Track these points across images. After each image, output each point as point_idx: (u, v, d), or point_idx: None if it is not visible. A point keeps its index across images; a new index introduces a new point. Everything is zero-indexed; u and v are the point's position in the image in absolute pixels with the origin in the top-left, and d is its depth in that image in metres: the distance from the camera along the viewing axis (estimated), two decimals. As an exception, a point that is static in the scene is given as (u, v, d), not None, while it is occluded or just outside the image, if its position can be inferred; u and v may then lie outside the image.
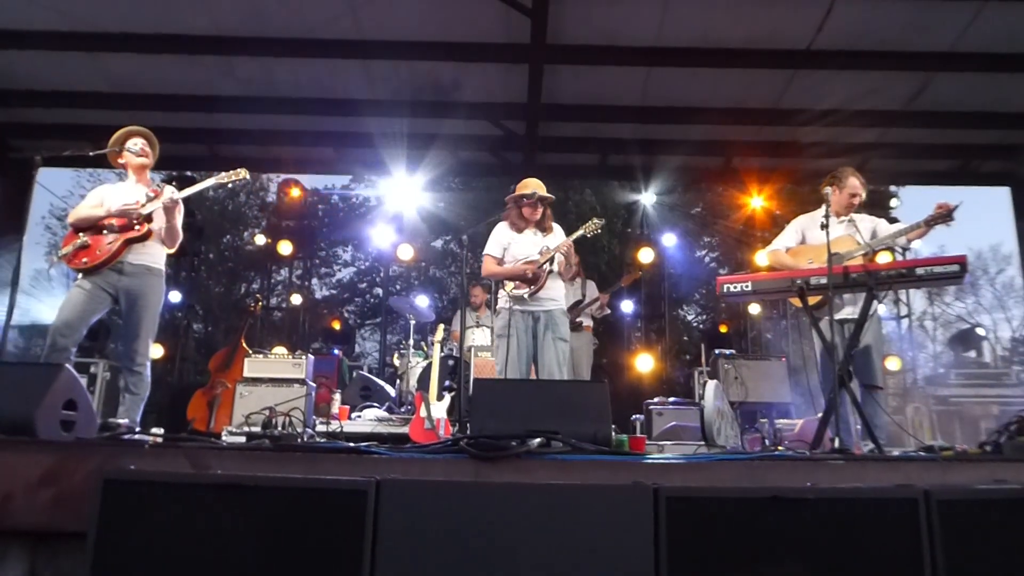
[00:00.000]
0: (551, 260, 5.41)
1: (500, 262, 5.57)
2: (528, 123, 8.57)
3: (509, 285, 5.46)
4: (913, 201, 10.31)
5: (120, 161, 5.11)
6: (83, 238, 4.85)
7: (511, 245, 5.57)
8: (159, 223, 4.99)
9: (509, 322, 5.43)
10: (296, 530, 2.20)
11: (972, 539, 2.32)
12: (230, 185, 5.31)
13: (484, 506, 2.25)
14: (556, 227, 5.68)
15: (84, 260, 4.81)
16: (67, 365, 3.54)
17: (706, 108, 8.40)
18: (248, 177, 5.26)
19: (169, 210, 4.93)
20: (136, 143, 5.07)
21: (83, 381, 3.63)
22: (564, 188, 16.92)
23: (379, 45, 7.45)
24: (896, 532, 2.29)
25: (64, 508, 2.63)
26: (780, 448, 5.36)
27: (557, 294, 5.52)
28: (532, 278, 5.36)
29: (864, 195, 5.28)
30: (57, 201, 20.07)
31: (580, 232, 5.40)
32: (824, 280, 4.37)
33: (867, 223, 5.22)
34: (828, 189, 4.76)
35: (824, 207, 4.64)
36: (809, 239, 5.31)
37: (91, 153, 5.08)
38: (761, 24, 7.04)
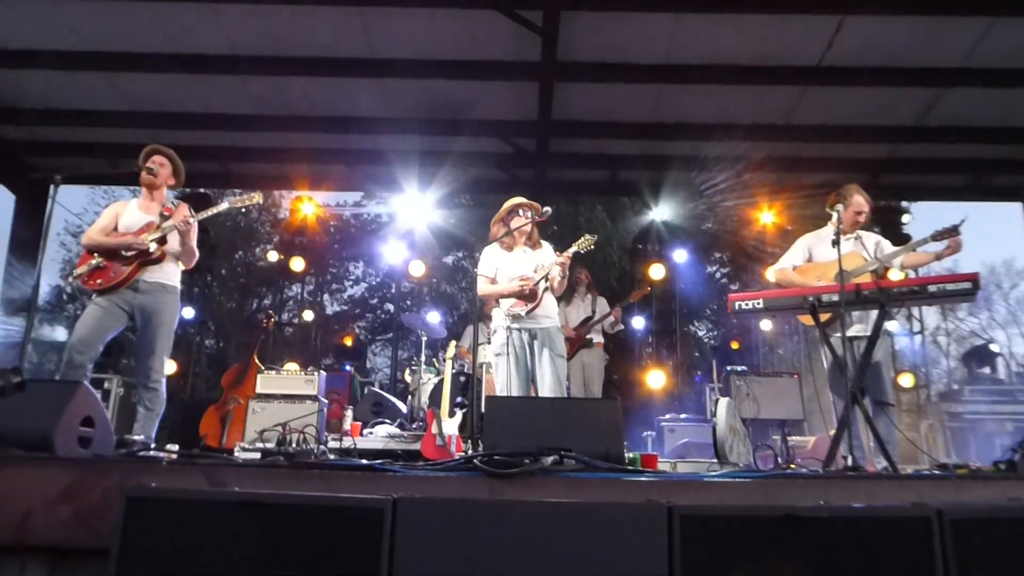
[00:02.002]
0: (546, 276, 5.36)
1: (493, 281, 5.55)
2: (539, 140, 8.62)
3: (506, 303, 5.45)
4: (925, 217, 10.28)
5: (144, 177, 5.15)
6: (98, 259, 4.89)
7: (503, 264, 5.55)
8: (174, 244, 5.03)
9: (506, 340, 5.41)
10: (315, 546, 2.22)
11: (986, 558, 2.31)
12: (243, 209, 5.36)
13: (500, 524, 2.26)
14: (545, 243, 5.66)
15: (99, 281, 4.85)
16: (84, 382, 3.58)
17: (716, 124, 8.42)
18: (261, 201, 5.31)
19: (183, 232, 4.97)
20: (154, 161, 5.13)
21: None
22: (575, 204, 16.99)
23: (391, 63, 7.52)
24: (910, 551, 2.28)
25: (83, 525, 2.66)
26: (793, 466, 5.34)
27: (552, 311, 5.49)
28: (529, 295, 5.35)
29: (868, 211, 5.28)
30: (72, 218, 20.30)
31: (573, 248, 5.34)
32: (836, 297, 4.37)
33: (872, 240, 5.23)
34: (840, 207, 4.76)
35: (831, 225, 4.66)
36: (816, 256, 5.31)
37: (111, 172, 5.14)
38: (771, 41, 7.08)
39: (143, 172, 5.08)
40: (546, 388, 5.24)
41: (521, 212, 5.54)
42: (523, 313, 5.34)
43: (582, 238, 5.40)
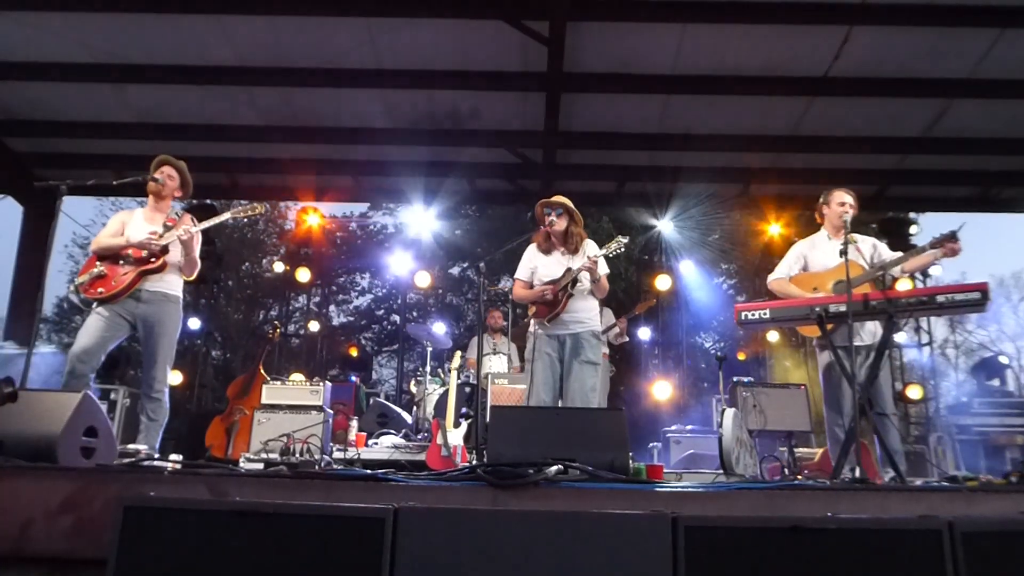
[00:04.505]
0: (573, 282, 5.22)
1: (528, 285, 5.46)
2: (545, 150, 8.62)
3: (532, 309, 5.39)
4: (932, 228, 10.24)
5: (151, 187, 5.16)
6: (100, 267, 4.89)
7: (538, 267, 5.45)
8: (176, 254, 5.03)
9: (533, 348, 5.31)
10: (314, 557, 2.19)
11: (998, 572, 2.27)
12: (246, 220, 5.35)
13: (502, 534, 2.23)
14: (590, 243, 5.44)
15: (100, 290, 4.85)
16: (88, 391, 3.56)
17: (723, 135, 8.41)
18: (267, 209, 5.32)
19: (186, 242, 4.96)
20: (162, 172, 5.14)
21: (103, 407, 3.65)
22: (582, 215, 16.98)
23: (398, 74, 7.54)
24: (920, 564, 2.24)
25: (84, 535, 2.63)
26: (799, 477, 5.29)
27: (586, 315, 5.31)
28: (551, 300, 5.26)
29: (853, 202, 5.11)
30: (80, 229, 20.36)
31: (602, 251, 5.21)
32: (843, 307, 4.32)
33: (868, 243, 5.11)
34: (846, 217, 4.70)
35: (824, 229, 4.62)
36: (811, 264, 5.19)
37: (115, 183, 5.15)
38: (778, 51, 7.08)
39: (150, 181, 5.09)
40: (570, 397, 5.13)
41: (547, 211, 5.40)
42: (545, 320, 5.28)
43: (613, 240, 5.26)
